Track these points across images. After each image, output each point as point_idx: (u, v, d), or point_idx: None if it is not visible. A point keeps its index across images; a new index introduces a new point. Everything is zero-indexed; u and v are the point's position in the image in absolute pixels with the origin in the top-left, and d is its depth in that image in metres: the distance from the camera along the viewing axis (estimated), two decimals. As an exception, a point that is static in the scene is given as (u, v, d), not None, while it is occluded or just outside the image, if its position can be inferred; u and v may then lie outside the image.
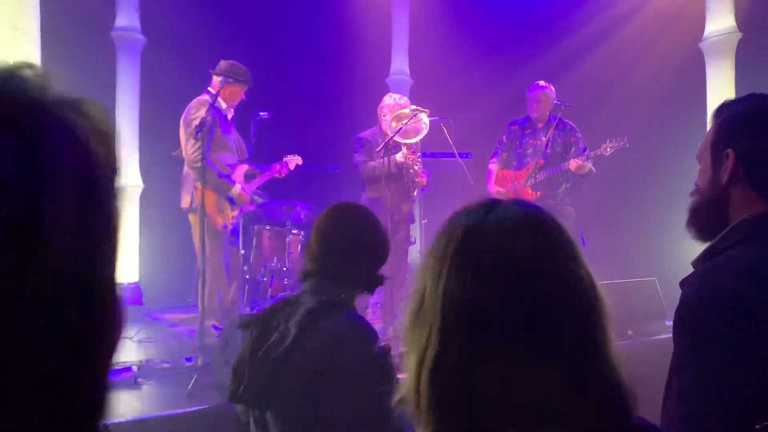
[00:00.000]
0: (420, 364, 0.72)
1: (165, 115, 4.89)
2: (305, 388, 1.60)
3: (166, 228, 5.97)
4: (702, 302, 1.16)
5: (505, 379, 0.67)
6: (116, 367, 3.48)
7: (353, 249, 1.80)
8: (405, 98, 4.90)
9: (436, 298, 0.72)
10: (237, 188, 4.24)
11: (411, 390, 0.74)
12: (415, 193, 4.87)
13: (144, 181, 6.38)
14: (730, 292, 1.12)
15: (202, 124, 3.85)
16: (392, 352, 1.85)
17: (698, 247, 1.31)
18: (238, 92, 4.40)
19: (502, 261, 0.71)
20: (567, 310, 0.70)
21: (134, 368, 3.61)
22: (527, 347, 0.68)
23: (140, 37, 6.45)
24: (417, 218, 6.65)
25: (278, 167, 4.69)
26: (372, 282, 1.86)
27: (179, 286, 6.01)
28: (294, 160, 4.75)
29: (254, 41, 7.30)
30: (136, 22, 6.45)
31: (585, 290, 0.72)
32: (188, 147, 4.11)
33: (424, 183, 4.83)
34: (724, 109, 1.31)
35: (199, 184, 4.01)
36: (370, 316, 5.65)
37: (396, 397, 0.78)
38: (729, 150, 1.24)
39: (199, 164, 3.91)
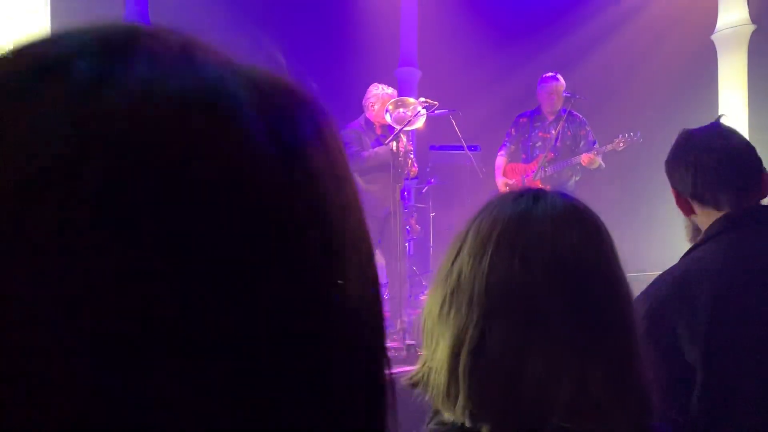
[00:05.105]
0: (457, 345, 0.70)
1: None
2: None
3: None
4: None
5: (548, 366, 0.67)
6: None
7: None
8: (391, 89, 4.85)
9: (477, 280, 0.70)
10: None
11: (442, 371, 0.71)
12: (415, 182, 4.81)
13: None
14: (652, 301, 1.31)
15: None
16: None
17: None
18: None
19: (552, 250, 0.71)
20: (611, 308, 0.72)
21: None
22: (571, 338, 0.68)
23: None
24: (428, 210, 6.63)
25: None
26: None
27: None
28: None
29: (261, 34, 7.28)
30: (144, 10, 6.44)
31: (625, 292, 0.74)
32: None
33: (416, 172, 4.85)
34: None
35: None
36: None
37: (412, 379, 0.76)
38: (672, 188, 1.45)
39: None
